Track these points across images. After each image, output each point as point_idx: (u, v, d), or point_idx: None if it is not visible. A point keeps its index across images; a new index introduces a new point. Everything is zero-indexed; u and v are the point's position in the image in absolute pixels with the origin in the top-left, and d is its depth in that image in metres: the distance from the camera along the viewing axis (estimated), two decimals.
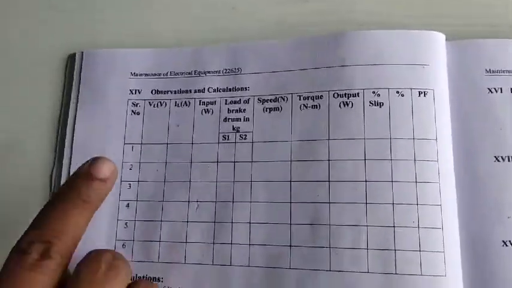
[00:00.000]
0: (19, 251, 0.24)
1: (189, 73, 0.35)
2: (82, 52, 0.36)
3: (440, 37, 0.33)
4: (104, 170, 0.27)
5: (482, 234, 0.30)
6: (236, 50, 0.35)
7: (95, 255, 0.25)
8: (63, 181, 0.34)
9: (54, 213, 0.25)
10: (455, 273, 0.29)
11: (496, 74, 0.32)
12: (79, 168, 0.27)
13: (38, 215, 0.26)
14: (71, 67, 0.36)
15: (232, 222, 0.32)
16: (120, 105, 0.35)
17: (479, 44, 0.33)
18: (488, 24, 0.34)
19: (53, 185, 0.35)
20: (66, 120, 0.35)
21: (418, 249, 0.29)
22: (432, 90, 0.31)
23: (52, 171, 0.35)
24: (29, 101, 0.37)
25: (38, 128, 0.36)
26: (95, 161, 0.27)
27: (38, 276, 0.23)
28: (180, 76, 0.35)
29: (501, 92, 0.32)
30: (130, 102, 0.35)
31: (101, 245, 0.33)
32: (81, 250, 0.26)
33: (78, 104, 0.35)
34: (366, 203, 0.30)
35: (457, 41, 0.33)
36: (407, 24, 0.35)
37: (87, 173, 0.27)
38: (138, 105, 0.35)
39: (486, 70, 0.32)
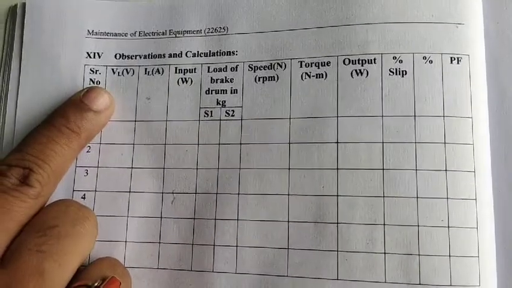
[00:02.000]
0: None
1: (163, 33, 0.28)
2: (24, 3, 0.29)
3: None
4: (98, 102, 0.25)
5: None
6: (222, 5, 0.28)
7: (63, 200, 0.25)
8: None
9: (38, 139, 0.24)
10: (490, 284, 0.23)
11: None
12: (72, 95, 0.26)
13: (22, 140, 0.25)
14: (12, 23, 0.29)
15: (216, 219, 0.26)
16: (74, 72, 0.28)
17: None
18: None
19: None
20: (7, 92, 0.28)
21: (448, 254, 0.23)
22: (467, 56, 0.25)
23: None
24: None
25: None
26: (89, 90, 0.26)
27: (15, 201, 0.22)
28: (151, 36, 0.28)
29: None
30: (87, 69, 0.28)
31: None
32: None
33: (20, 71, 0.28)
34: (384, 197, 0.24)
35: None
36: None
37: (78, 101, 0.25)
38: (98, 72, 0.28)
39: None
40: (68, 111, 0.25)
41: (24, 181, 0.23)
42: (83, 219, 0.23)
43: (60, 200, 0.25)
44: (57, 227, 0.22)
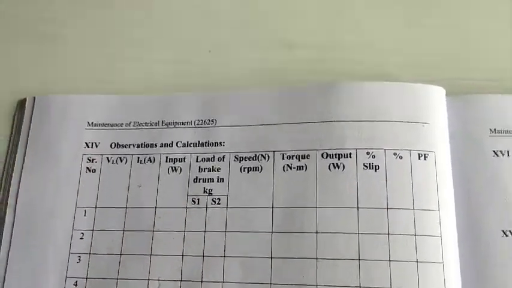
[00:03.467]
0: None
1: (156, 123, 0.30)
2: (34, 97, 0.31)
3: (440, 92, 0.29)
4: None
5: None
6: (211, 99, 0.31)
7: None
8: (6, 248, 0.28)
9: None
10: None
11: (502, 134, 0.29)
12: None
13: None
14: (20, 114, 0.31)
15: None
16: (73, 161, 0.30)
17: (483, 100, 0.30)
18: (492, 78, 0.31)
19: None
20: (10, 176, 0.30)
21: None
22: (433, 153, 0.27)
23: None
24: None
25: None
26: None
27: None
28: (144, 127, 0.30)
29: (508, 155, 0.28)
30: (85, 158, 0.30)
31: None
32: None
33: (24, 159, 0.30)
34: (360, 287, 0.25)
35: (458, 96, 0.30)
36: (403, 76, 0.31)
37: None
38: (95, 161, 0.30)
39: (491, 130, 0.29)
40: None
41: None
42: None
43: None
44: None
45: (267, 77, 0.32)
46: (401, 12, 0.33)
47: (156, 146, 0.30)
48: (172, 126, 0.30)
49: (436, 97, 0.29)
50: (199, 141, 0.30)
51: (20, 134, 0.31)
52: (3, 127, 0.31)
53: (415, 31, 0.33)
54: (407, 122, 0.28)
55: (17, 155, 0.30)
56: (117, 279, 0.27)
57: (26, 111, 0.31)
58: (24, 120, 0.31)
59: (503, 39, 0.32)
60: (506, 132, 0.29)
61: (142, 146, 0.30)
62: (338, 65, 0.32)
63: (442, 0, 0.34)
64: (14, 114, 0.32)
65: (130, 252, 0.28)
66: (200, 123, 0.30)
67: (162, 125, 0.30)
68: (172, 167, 0.29)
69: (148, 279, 0.27)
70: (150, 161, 0.30)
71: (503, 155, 0.28)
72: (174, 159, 0.29)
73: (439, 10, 0.34)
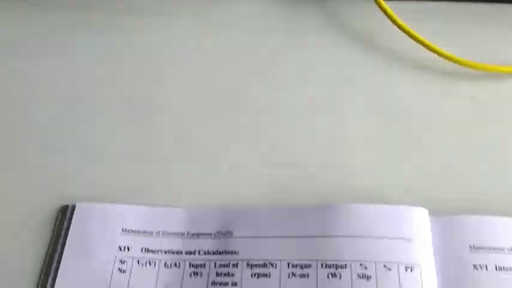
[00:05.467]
0: None
1: (182, 234, 0.36)
2: (75, 205, 0.38)
3: (423, 212, 0.34)
4: None
5: None
6: (229, 214, 0.36)
7: None
8: None
9: None
10: None
11: (481, 250, 0.33)
12: None
13: None
14: (62, 219, 0.37)
15: None
16: (107, 262, 0.35)
17: (463, 220, 0.35)
18: (473, 199, 0.36)
19: None
20: (47, 278, 0.34)
21: None
22: (419, 266, 0.32)
23: None
24: (10, 254, 0.36)
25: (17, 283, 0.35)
26: None
27: None
28: (172, 236, 0.36)
29: (486, 269, 0.32)
30: (117, 259, 0.35)
31: None
32: None
33: (62, 259, 0.35)
34: None
35: (440, 217, 0.35)
36: (396, 196, 0.37)
37: None
38: (126, 263, 0.35)
39: (470, 246, 0.33)
40: None
41: None
42: None
43: None
44: None
45: (276, 192, 0.38)
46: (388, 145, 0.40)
47: (181, 253, 0.35)
48: (196, 236, 0.36)
49: (420, 217, 0.34)
50: (217, 250, 0.35)
51: (59, 238, 0.36)
52: (45, 231, 0.37)
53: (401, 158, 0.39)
54: (394, 238, 0.33)
55: (54, 257, 0.35)
56: None
57: (67, 216, 0.37)
58: (64, 225, 0.36)
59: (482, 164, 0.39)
60: (484, 248, 0.33)
61: (170, 252, 0.35)
62: (336, 185, 0.38)
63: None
64: (56, 219, 0.37)
65: None
66: (219, 235, 0.35)
67: (187, 235, 0.36)
68: (194, 272, 0.34)
69: None
70: (176, 266, 0.34)
71: (481, 268, 0.32)
72: (196, 265, 0.34)
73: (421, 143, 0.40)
